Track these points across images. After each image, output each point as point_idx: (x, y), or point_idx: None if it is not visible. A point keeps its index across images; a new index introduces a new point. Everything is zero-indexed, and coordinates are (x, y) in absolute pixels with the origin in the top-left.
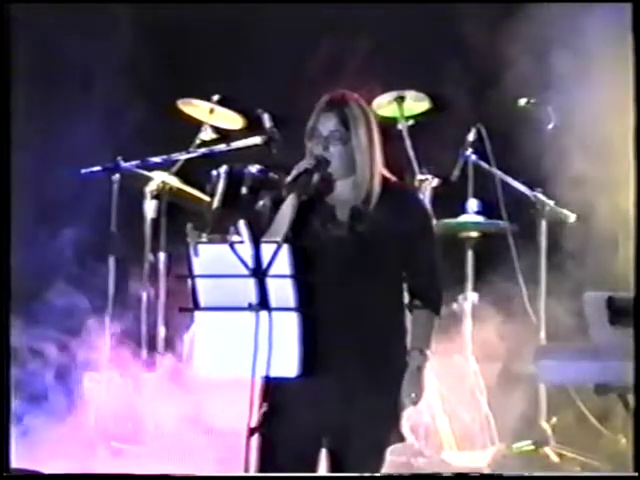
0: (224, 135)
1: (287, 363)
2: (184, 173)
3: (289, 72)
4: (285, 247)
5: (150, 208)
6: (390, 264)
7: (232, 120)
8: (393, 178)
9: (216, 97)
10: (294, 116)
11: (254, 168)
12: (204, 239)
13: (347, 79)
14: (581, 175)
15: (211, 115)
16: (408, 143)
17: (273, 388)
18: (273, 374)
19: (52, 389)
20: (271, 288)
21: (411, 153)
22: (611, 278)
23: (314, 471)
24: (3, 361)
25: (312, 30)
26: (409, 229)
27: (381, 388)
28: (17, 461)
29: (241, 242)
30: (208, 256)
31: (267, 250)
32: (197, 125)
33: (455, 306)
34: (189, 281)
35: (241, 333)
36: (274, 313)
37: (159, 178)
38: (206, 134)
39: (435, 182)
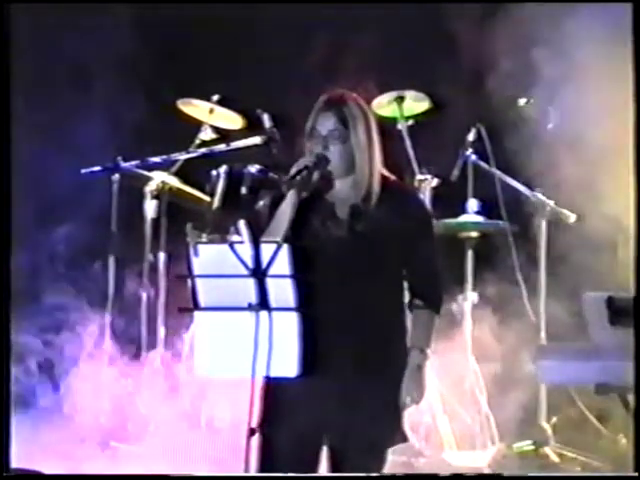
0: (224, 135)
1: (287, 363)
2: (184, 173)
3: (289, 72)
4: (285, 247)
5: (150, 208)
6: (390, 263)
7: (232, 120)
8: (393, 178)
9: (216, 97)
10: (294, 116)
11: (254, 168)
12: (204, 239)
13: (347, 79)
14: (581, 175)
15: (211, 115)
16: (408, 143)
17: (273, 388)
18: (273, 374)
19: (52, 389)
20: (271, 288)
21: (411, 153)
22: (611, 278)
23: (314, 471)
24: (3, 361)
25: (312, 30)
26: (409, 228)
27: (381, 388)
28: (17, 461)
29: (241, 242)
30: (208, 256)
31: (267, 250)
32: (197, 125)
33: (455, 306)
34: (189, 281)
35: (241, 333)
36: (274, 313)
37: (159, 178)
38: (206, 134)
39: (435, 182)
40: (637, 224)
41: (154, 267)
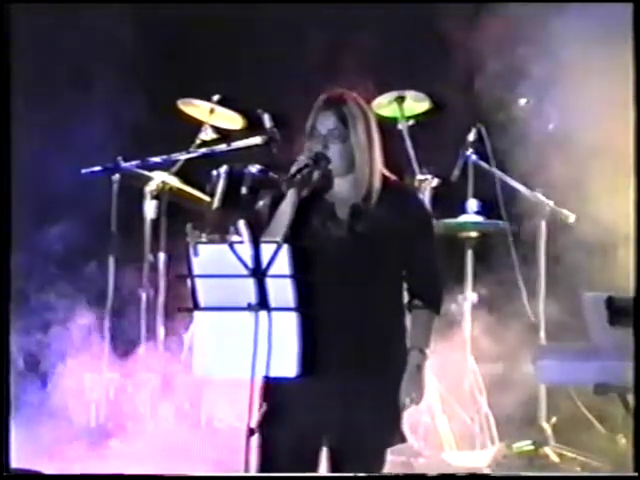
0: (224, 135)
1: (286, 363)
2: (184, 173)
3: (289, 72)
4: (285, 247)
5: (150, 208)
6: (390, 264)
7: (232, 120)
8: (393, 177)
9: (216, 97)
10: (294, 116)
11: (254, 168)
12: (204, 239)
13: (347, 79)
14: (580, 175)
15: (211, 115)
16: (408, 143)
17: (273, 388)
18: (273, 374)
19: (51, 389)
20: (271, 288)
21: (411, 153)
22: (610, 278)
23: (314, 471)
24: (3, 361)
25: (312, 30)
26: (409, 229)
27: (381, 388)
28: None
29: (241, 242)
30: (208, 256)
31: (267, 250)
32: (197, 125)
33: (455, 306)
34: (189, 281)
35: (241, 333)
36: (274, 313)
37: (159, 178)
38: (206, 134)
39: (435, 182)
40: (637, 224)
41: (154, 267)
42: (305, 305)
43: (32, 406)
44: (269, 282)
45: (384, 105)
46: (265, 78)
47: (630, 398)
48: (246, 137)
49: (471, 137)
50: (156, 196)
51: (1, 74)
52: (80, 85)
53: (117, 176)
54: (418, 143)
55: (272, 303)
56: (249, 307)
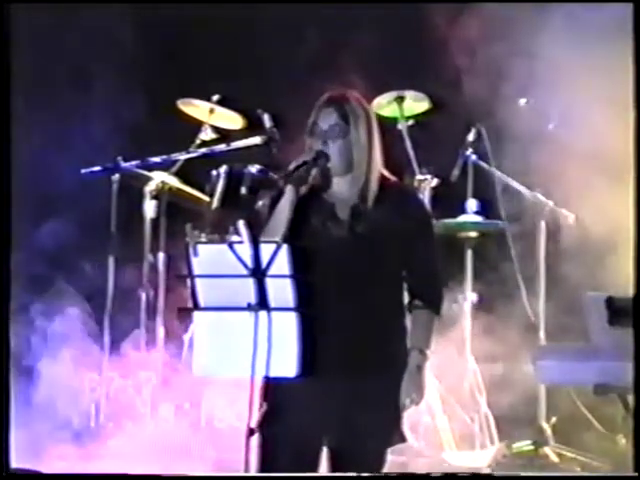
0: (224, 135)
1: (286, 363)
2: (184, 173)
3: (289, 72)
4: (284, 247)
5: (150, 208)
6: (390, 264)
7: (232, 120)
8: (393, 178)
9: (216, 97)
10: (294, 116)
11: (254, 168)
12: (203, 239)
13: (347, 79)
14: (580, 175)
15: (211, 115)
16: (408, 143)
17: (273, 388)
18: (272, 374)
19: (50, 389)
20: (270, 288)
21: (411, 153)
22: (610, 278)
23: (314, 471)
24: (3, 361)
25: (312, 30)
26: (409, 229)
27: (381, 388)
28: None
29: (240, 242)
30: (207, 256)
31: (266, 250)
32: (197, 125)
33: (455, 306)
34: (188, 281)
35: (240, 333)
36: (273, 313)
37: (159, 178)
38: (206, 134)
39: (435, 182)
40: (637, 224)
41: (154, 267)
42: (305, 305)
43: (32, 406)
44: (269, 282)
45: (384, 105)
46: (265, 78)
47: (630, 398)
48: (246, 137)
49: (471, 137)
50: (156, 196)
51: (1, 74)
52: (80, 85)
53: (117, 176)
54: (418, 143)
55: (272, 303)
56: (249, 307)
